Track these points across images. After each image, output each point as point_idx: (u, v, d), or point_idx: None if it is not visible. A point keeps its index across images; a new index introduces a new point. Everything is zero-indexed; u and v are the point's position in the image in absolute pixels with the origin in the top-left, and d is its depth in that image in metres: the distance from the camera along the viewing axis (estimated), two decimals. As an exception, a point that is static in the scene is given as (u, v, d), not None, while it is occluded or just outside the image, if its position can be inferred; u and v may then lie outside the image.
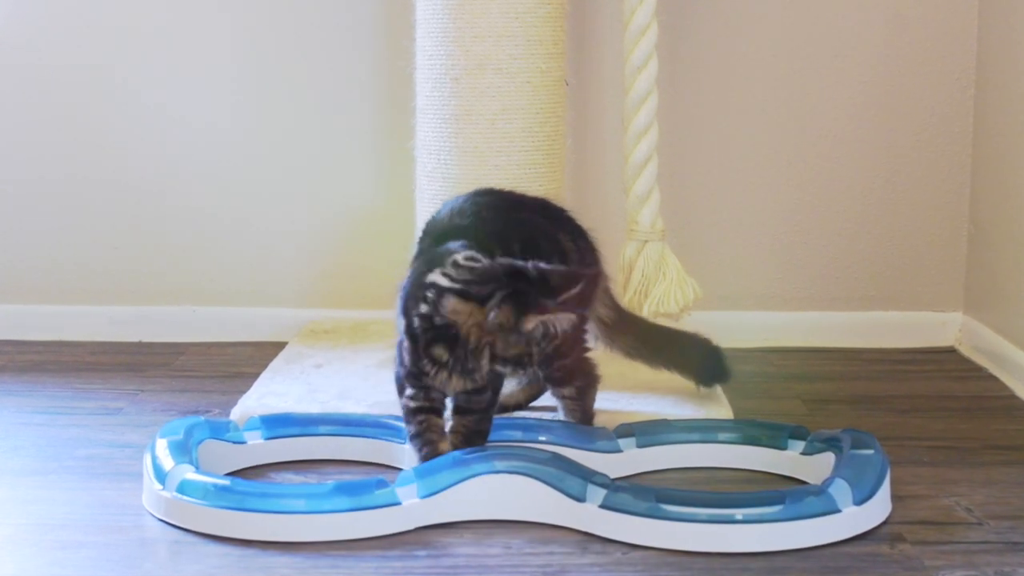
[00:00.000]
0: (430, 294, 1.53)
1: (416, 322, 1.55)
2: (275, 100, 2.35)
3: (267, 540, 1.47)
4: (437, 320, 1.53)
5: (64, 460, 1.77)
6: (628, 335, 1.84)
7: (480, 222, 1.67)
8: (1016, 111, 2.14)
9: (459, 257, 1.56)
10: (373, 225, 2.36)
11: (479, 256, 1.56)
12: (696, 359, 1.89)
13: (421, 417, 1.61)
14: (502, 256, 1.59)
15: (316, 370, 2.06)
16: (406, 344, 1.58)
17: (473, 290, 1.52)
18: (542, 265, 1.53)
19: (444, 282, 1.53)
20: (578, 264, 1.71)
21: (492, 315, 1.50)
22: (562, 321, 1.49)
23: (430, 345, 1.55)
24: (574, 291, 1.51)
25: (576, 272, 1.56)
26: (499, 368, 1.55)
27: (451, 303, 1.52)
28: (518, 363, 1.54)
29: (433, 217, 1.74)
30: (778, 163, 2.33)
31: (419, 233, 1.76)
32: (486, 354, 1.53)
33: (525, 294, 1.50)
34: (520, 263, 1.54)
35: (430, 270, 1.56)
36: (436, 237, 1.68)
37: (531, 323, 1.49)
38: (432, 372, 1.56)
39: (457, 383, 1.57)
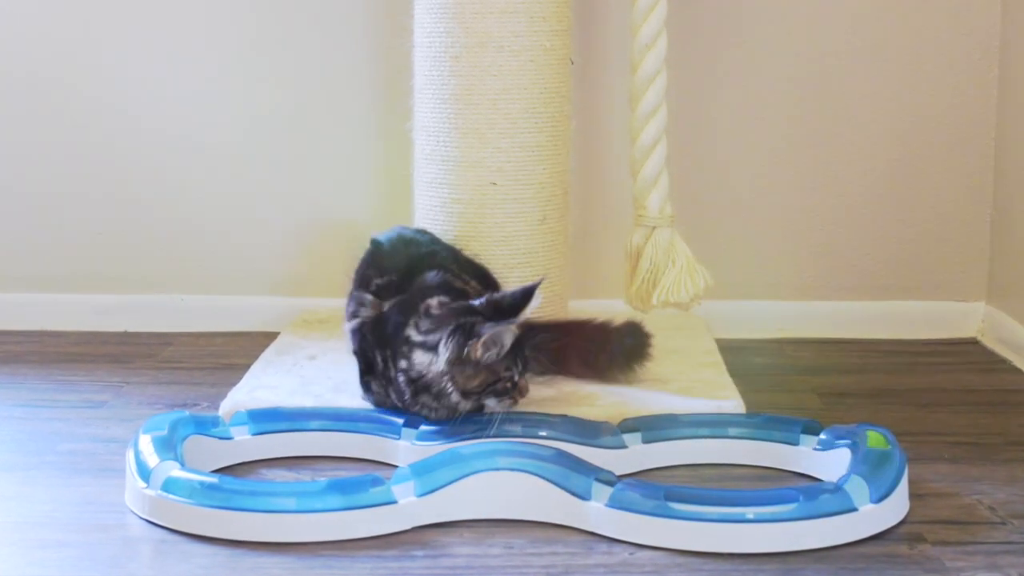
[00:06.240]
0: (405, 349, 1.70)
1: (402, 378, 1.71)
2: (266, 81, 2.34)
3: (257, 540, 1.45)
4: (413, 374, 1.70)
5: (46, 455, 1.76)
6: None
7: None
8: (1041, 92, 2.14)
9: (432, 303, 1.71)
10: (369, 210, 2.34)
11: (446, 299, 1.72)
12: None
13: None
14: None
15: (309, 362, 2.05)
16: (400, 382, 1.72)
17: (430, 340, 1.68)
18: (494, 295, 1.73)
19: (414, 336, 1.70)
20: None
21: (442, 355, 1.66)
22: (502, 335, 1.64)
23: (417, 395, 1.70)
24: (528, 306, 1.67)
25: (525, 288, 1.70)
26: (481, 400, 1.69)
27: (418, 356, 1.69)
28: (497, 392, 1.68)
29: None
30: (793, 146, 2.32)
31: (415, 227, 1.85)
32: (452, 391, 1.67)
33: (470, 326, 1.66)
34: (474, 302, 1.71)
35: (407, 321, 1.71)
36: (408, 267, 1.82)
37: (477, 350, 1.64)
38: (426, 412, 1.72)
39: (444, 415, 1.71)
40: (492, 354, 1.65)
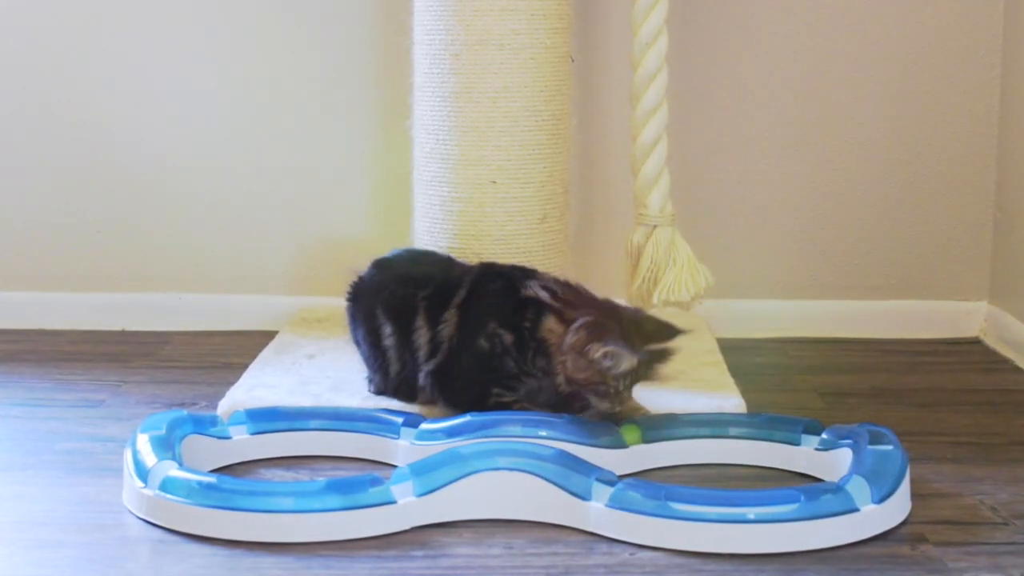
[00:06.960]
0: (531, 311, 1.70)
1: (524, 336, 1.71)
2: (264, 79, 2.33)
3: (255, 540, 1.45)
4: (538, 335, 1.70)
5: (43, 455, 1.75)
6: None
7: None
8: (1043, 91, 2.13)
9: (559, 278, 1.76)
10: (368, 208, 2.33)
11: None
12: None
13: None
14: None
15: (308, 360, 2.04)
16: (510, 353, 1.72)
17: (567, 313, 1.68)
18: (643, 313, 1.72)
19: (545, 297, 1.70)
20: None
21: (569, 336, 1.65)
22: (622, 358, 1.62)
23: (535, 357, 1.71)
24: (663, 343, 1.66)
25: (671, 327, 1.69)
26: (582, 394, 1.66)
27: (548, 322, 1.69)
28: (598, 393, 1.65)
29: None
30: (794, 145, 2.31)
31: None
32: (559, 372, 1.67)
33: (604, 326, 1.64)
34: (626, 306, 1.73)
35: (517, 286, 1.73)
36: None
37: (597, 351, 1.62)
38: (531, 381, 1.73)
39: (543, 399, 1.73)
40: (606, 365, 1.63)
